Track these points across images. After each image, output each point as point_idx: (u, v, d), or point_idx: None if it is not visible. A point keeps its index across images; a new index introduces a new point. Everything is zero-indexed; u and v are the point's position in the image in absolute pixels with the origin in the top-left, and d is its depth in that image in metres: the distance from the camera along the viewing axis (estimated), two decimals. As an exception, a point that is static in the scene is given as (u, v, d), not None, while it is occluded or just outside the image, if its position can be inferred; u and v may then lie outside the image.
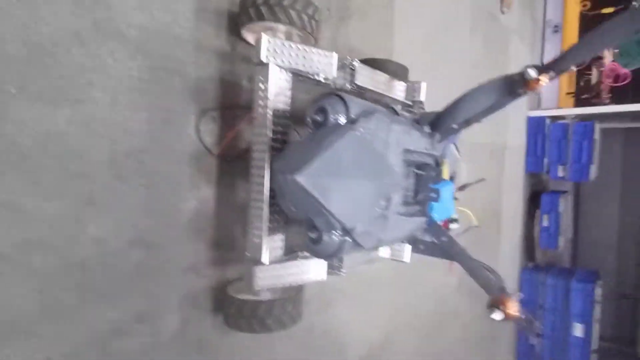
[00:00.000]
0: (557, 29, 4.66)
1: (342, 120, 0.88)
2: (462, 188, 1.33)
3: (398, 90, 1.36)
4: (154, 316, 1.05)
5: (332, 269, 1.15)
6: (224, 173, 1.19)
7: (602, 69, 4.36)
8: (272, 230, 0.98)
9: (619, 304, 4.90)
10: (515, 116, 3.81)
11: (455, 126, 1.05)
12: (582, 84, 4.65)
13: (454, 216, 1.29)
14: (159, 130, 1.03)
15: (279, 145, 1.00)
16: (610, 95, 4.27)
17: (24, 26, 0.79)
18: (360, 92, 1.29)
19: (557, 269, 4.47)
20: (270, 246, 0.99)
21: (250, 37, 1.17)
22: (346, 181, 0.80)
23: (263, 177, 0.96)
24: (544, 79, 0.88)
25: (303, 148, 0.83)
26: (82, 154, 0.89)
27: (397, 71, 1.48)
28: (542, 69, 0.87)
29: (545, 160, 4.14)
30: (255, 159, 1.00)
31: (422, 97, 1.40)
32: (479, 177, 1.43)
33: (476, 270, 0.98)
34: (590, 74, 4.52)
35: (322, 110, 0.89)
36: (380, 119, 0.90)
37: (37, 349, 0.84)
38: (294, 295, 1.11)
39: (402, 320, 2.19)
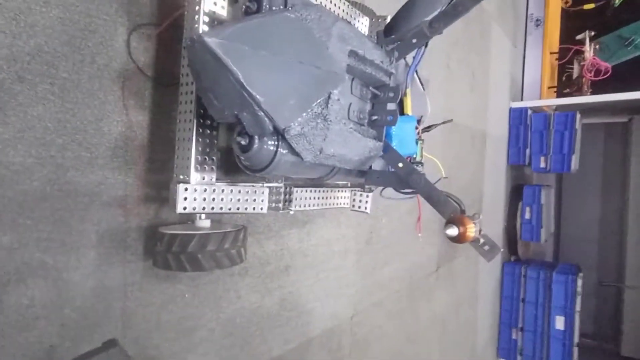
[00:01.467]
0: (539, 23, 4.67)
1: (279, 7, 0.76)
2: (427, 129, 1.22)
3: (361, 25, 1.25)
4: (68, 250, 0.90)
5: (278, 204, 1.02)
6: (159, 99, 1.05)
7: (583, 63, 4.36)
8: (202, 144, 0.85)
9: (599, 301, 4.86)
10: (496, 107, 3.76)
11: (413, 40, 0.93)
12: (564, 78, 4.67)
13: (417, 158, 1.18)
14: (78, 37, 0.90)
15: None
16: (591, 89, 4.27)
17: None
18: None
19: (539, 262, 4.41)
20: (200, 162, 0.86)
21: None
22: (273, 58, 0.67)
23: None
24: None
25: (228, 23, 0.70)
26: (-30, 40, 0.75)
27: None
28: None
29: (527, 152, 4.11)
30: (186, 29, 0.86)
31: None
32: (446, 119, 1.32)
33: (435, 197, 0.87)
34: (572, 69, 4.53)
35: (255, -4, 0.77)
36: (324, 11, 0.78)
37: None
38: (234, 231, 0.98)
39: (372, 296, 2.06)
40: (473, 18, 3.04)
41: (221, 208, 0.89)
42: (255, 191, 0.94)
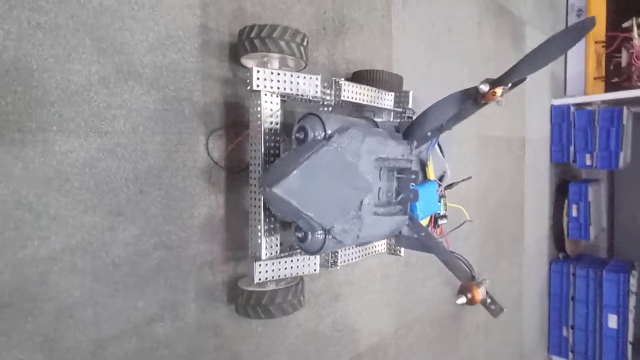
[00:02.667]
0: (580, 12, 4.52)
1: (320, 136, 1.03)
2: (449, 187, 1.44)
3: (387, 100, 1.49)
4: (177, 306, 1.25)
5: (328, 264, 1.31)
6: (231, 183, 1.37)
7: (632, 51, 4.19)
8: (268, 231, 1.15)
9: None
10: (535, 107, 3.76)
11: (428, 133, 1.17)
12: (611, 67, 4.49)
13: (441, 213, 1.40)
14: (173, 151, 1.23)
15: (272, 158, 1.17)
16: (642, 78, 4.10)
17: (61, 78, 1.00)
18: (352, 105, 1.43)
19: (589, 259, 4.36)
20: (268, 244, 1.16)
21: (249, 64, 1.34)
22: (321, 189, 0.95)
23: (258, 187, 1.13)
24: (499, 91, 0.98)
25: (284, 163, 0.99)
26: (111, 174, 1.10)
27: (391, 80, 1.61)
28: (494, 82, 0.97)
29: (572, 149, 4.06)
30: (252, 171, 1.17)
31: (410, 104, 1.51)
32: (465, 177, 1.52)
33: (450, 261, 1.10)
34: (619, 57, 4.36)
35: (303, 129, 1.05)
36: (353, 134, 1.04)
37: (81, 331, 1.06)
38: (294, 285, 1.28)
39: (414, 311, 2.31)
40: (503, 31, 3.10)
41: (285, 274, 1.20)
42: (310, 258, 1.23)
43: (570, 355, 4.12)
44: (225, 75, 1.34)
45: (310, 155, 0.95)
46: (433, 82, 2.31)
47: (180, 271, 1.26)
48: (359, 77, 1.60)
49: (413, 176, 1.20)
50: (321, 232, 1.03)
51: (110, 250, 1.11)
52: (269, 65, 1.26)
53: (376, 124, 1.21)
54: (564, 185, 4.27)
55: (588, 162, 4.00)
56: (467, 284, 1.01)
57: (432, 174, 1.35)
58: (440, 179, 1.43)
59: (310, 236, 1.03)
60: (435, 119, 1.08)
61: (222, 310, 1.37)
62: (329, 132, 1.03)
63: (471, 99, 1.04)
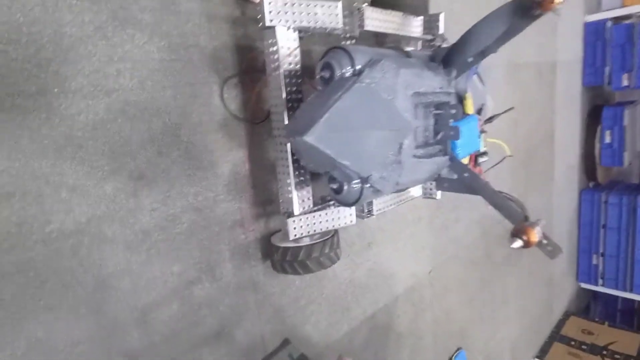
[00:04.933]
0: None
1: (349, 72, 0.90)
2: (489, 120, 1.31)
3: (414, 26, 1.32)
4: (213, 267, 1.22)
5: (363, 213, 1.23)
6: (253, 135, 1.27)
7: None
8: (299, 185, 1.07)
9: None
10: (567, 27, 3.42)
11: (470, 59, 1.02)
12: (654, -29, 4.00)
13: (483, 149, 1.29)
14: (187, 104, 1.12)
15: (296, 104, 1.05)
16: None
17: (53, 31, 0.89)
18: (375, 36, 1.27)
19: (622, 186, 4.20)
20: (300, 199, 1.08)
21: (257, -2, 1.18)
22: (355, 133, 0.84)
23: (284, 137, 1.03)
24: (559, -3, 0.82)
25: (311, 107, 0.87)
26: (125, 136, 1.01)
27: (415, 3, 1.42)
28: (556, -15, 0.81)
29: (607, 70, 3.75)
30: (275, 120, 1.07)
31: (442, 29, 1.34)
32: (508, 107, 1.38)
33: (499, 202, 1.01)
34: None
35: (329, 66, 0.92)
36: (386, 66, 0.90)
37: (122, 300, 1.04)
38: (329, 238, 1.22)
39: (446, 252, 2.27)
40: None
41: (320, 228, 1.13)
42: (345, 209, 1.16)
43: (600, 281, 4.12)
44: (233, 14, 1.19)
45: (340, 95, 0.83)
46: (459, 3, 2.07)
47: (211, 232, 1.21)
48: (379, 3, 1.41)
49: (453, 111, 1.08)
50: (357, 181, 0.94)
51: (138, 217, 1.05)
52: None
53: (408, 54, 1.07)
54: (597, 110, 4.00)
55: (625, 83, 3.70)
56: (521, 225, 0.92)
57: (471, 108, 1.22)
58: (479, 112, 1.30)
59: (346, 187, 0.94)
60: (481, 40, 0.93)
61: (258, 268, 1.34)
62: (358, 67, 0.90)
63: (523, 11, 0.87)
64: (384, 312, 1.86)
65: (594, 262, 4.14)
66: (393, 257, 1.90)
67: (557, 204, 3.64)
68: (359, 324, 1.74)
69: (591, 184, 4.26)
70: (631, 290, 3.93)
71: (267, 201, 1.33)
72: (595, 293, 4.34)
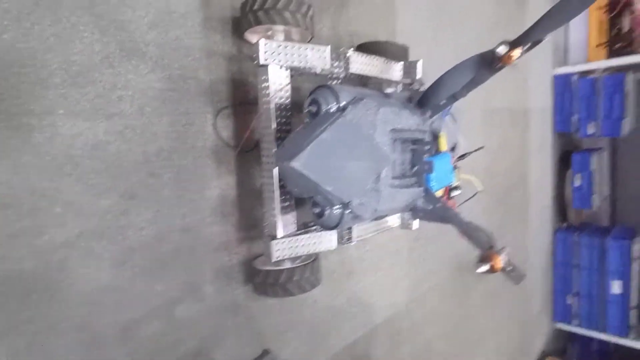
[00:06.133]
0: (582, -24, 4.40)
1: (334, 108, 1.00)
2: (461, 157, 1.42)
3: (395, 71, 1.45)
4: (196, 287, 1.25)
5: (343, 240, 1.30)
6: (241, 162, 1.35)
7: (634, 15, 4.11)
8: (284, 209, 1.14)
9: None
10: (537, 78, 3.71)
11: (442, 102, 1.14)
12: (614, 33, 4.41)
13: (454, 184, 1.39)
14: (182, 131, 1.20)
15: (284, 135, 1.14)
16: (644, 42, 4.04)
17: (64, 59, 0.97)
18: (359, 78, 1.39)
19: (593, 227, 4.39)
20: (284, 223, 1.15)
21: (253, 38, 1.30)
22: (338, 162, 0.93)
23: (271, 163, 1.11)
24: (516, 53, 0.95)
25: (299, 137, 0.96)
26: (121, 157, 1.07)
27: (396, 51, 1.56)
28: (512, 44, 0.94)
29: (574, 118, 4.03)
30: (264, 148, 1.15)
31: (420, 74, 1.48)
32: (478, 146, 1.50)
33: (469, 231, 1.09)
34: (622, 23, 4.27)
35: (315, 102, 1.02)
36: (367, 104, 1.01)
37: (105, 316, 1.06)
38: (310, 263, 1.27)
39: (425, 284, 2.33)
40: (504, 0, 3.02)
41: (302, 251, 1.19)
42: (326, 233, 1.22)
43: (575, 321, 4.20)
44: (230, 52, 1.30)
45: (325, 127, 0.92)
46: (439, 51, 2.26)
47: (196, 253, 1.25)
48: (363, 49, 1.55)
49: (427, 147, 1.18)
50: (339, 206, 1.02)
51: (126, 234, 1.09)
52: (274, 39, 1.21)
53: (387, 95, 1.18)
54: (567, 155, 4.26)
55: (591, 131, 3.98)
56: (488, 252, 1.00)
57: (444, 145, 1.33)
58: (453, 149, 1.41)
59: (328, 211, 1.02)
60: (450, 86, 1.05)
61: (239, 290, 1.37)
62: (342, 103, 1.01)
63: (487, 63, 1.01)
64: (362, 342, 1.88)
65: (569, 301, 4.23)
66: (373, 287, 1.94)
67: (532, 243, 3.77)
68: (337, 352, 1.75)
69: (564, 225, 4.45)
70: (604, 331, 4.02)
71: (251, 226, 1.39)
72: (571, 334, 4.40)
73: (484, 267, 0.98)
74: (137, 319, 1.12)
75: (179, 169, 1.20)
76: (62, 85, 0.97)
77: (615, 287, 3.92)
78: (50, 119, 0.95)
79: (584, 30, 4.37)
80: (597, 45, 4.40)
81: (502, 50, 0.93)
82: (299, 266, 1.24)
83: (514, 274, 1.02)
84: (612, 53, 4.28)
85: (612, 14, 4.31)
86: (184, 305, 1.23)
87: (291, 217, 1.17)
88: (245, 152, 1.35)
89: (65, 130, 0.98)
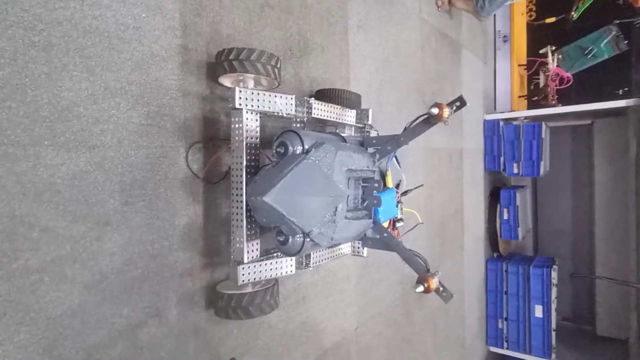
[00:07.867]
0: (506, 38, 5.13)
1: (299, 150, 1.17)
2: (404, 193, 1.64)
3: (350, 116, 1.67)
4: (160, 311, 1.31)
5: (301, 265, 1.44)
6: (209, 193, 1.46)
7: (548, 73, 4.83)
8: (249, 237, 1.26)
9: (575, 287, 5.36)
10: (471, 122, 4.20)
11: (388, 147, 1.36)
12: (532, 87, 5.14)
13: (399, 216, 1.60)
14: (156, 163, 1.30)
15: (253, 170, 1.28)
16: (556, 96, 4.75)
17: (53, 95, 1.05)
18: (318, 121, 1.59)
19: (519, 257, 4.89)
20: (249, 249, 1.27)
21: (226, 82, 1.45)
22: (302, 197, 1.09)
23: (241, 195, 1.24)
24: (446, 112, 1.20)
25: (270, 175, 1.11)
26: (99, 186, 1.15)
27: (351, 98, 1.79)
28: (442, 106, 1.19)
29: (502, 159, 4.57)
30: (234, 181, 1.28)
31: (370, 121, 1.70)
32: (418, 184, 1.74)
33: (409, 257, 1.29)
34: (538, 78, 5.00)
35: (283, 144, 1.18)
36: (327, 148, 1.19)
37: (70, 340, 1.09)
38: (270, 287, 1.39)
39: (371, 310, 2.49)
40: (443, 55, 3.46)
41: (265, 276, 1.31)
42: (286, 260, 1.36)
43: (505, 344, 4.58)
44: (204, 93, 1.44)
45: (292, 167, 1.09)
46: (384, 99, 2.55)
47: (162, 278, 1.32)
48: (322, 95, 1.76)
49: (376, 185, 1.38)
50: (300, 235, 1.17)
51: (98, 260, 1.15)
52: (243, 83, 1.38)
53: (344, 139, 1.38)
54: (496, 191, 4.78)
55: (515, 171, 4.53)
56: (423, 275, 1.20)
57: (390, 182, 1.55)
58: (397, 186, 1.63)
59: (291, 239, 1.16)
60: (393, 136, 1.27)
61: (201, 314, 1.44)
62: (306, 146, 1.18)
63: (425, 119, 1.24)
64: (313, 365, 1.98)
65: (500, 326, 4.62)
66: (324, 312, 2.07)
67: (467, 271, 4.13)
68: (290, 376, 1.84)
69: (495, 255, 4.91)
70: (530, 353, 4.42)
71: (215, 252, 1.48)
72: (504, 356, 4.77)
73: (421, 288, 1.17)
74: (101, 343, 1.16)
75: (151, 198, 1.29)
76: (49, 119, 1.05)
77: (538, 311, 4.37)
78: (35, 150, 1.02)
79: (507, 83, 5.06)
80: (519, 97, 5.10)
81: (434, 111, 1.17)
82: (260, 290, 1.35)
83: (445, 294, 1.21)
84: (531, 104, 4.98)
85: (530, 72, 5.06)
86: (148, 329, 1.28)
87: (256, 244, 1.29)
88: (213, 184, 1.47)
89: (48, 161, 1.04)
